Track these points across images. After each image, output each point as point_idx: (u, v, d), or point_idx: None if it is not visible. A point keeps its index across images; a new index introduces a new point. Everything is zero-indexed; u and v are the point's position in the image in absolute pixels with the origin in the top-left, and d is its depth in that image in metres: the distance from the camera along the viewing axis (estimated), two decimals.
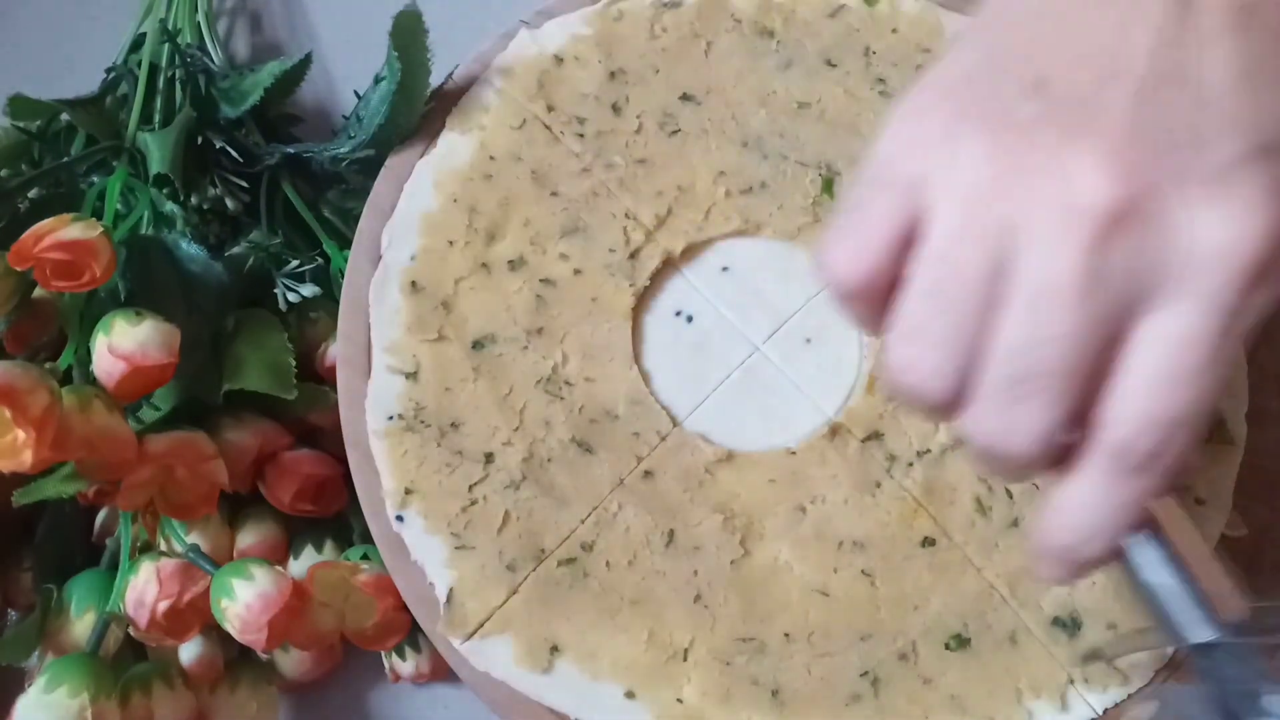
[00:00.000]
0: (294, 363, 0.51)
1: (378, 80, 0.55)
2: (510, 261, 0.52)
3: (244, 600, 0.45)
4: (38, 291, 0.50)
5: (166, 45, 0.58)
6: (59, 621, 0.48)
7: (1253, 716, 0.30)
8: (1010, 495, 0.48)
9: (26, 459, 0.42)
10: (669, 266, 0.53)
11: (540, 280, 0.52)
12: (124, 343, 0.45)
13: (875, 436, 0.50)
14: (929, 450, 0.49)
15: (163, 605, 0.46)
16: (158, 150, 0.53)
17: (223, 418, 0.51)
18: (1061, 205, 0.28)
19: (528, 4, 0.58)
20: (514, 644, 0.46)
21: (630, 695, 0.45)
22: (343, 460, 0.50)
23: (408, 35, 0.52)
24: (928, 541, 0.48)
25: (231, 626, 0.45)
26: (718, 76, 0.56)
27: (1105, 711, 0.45)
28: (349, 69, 0.67)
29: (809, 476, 0.49)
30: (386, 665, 0.53)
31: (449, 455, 0.49)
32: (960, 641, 0.46)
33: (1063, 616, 0.47)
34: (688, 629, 0.46)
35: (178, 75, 0.57)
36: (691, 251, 0.53)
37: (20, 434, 0.42)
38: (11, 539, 0.52)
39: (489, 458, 0.49)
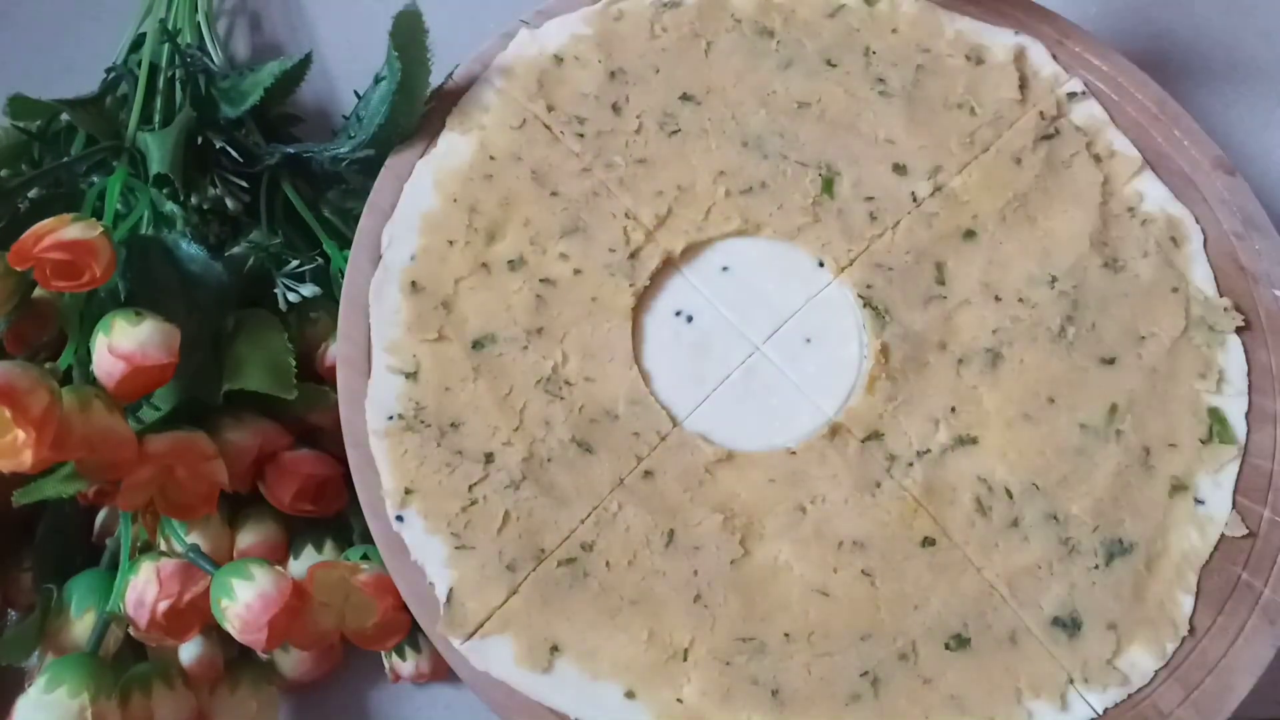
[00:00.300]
0: (294, 363, 0.51)
1: (378, 80, 0.55)
2: (510, 261, 0.52)
3: (244, 600, 0.45)
4: (38, 291, 0.50)
5: (166, 45, 0.58)
6: (59, 621, 0.48)
7: None
8: (1010, 495, 0.48)
9: (26, 459, 0.42)
10: (669, 266, 0.53)
11: (540, 280, 0.52)
12: (124, 343, 0.45)
13: (875, 436, 0.50)
14: (929, 450, 0.49)
15: (163, 605, 0.46)
16: (158, 150, 0.53)
17: (223, 418, 0.51)
18: None
19: (528, 4, 0.58)
20: (514, 644, 0.46)
21: (630, 695, 0.45)
22: (343, 460, 0.50)
23: (408, 35, 0.52)
24: (928, 541, 0.48)
25: (231, 626, 0.45)
26: (718, 76, 0.56)
27: (1105, 711, 0.45)
28: (349, 69, 0.67)
29: (809, 476, 0.49)
30: (386, 665, 0.53)
31: (449, 455, 0.49)
32: (960, 641, 0.46)
33: (1063, 616, 0.47)
34: (688, 629, 0.46)
35: (178, 75, 0.57)
36: (691, 251, 0.53)
37: (20, 434, 0.42)
38: (11, 539, 0.52)
39: (489, 458, 0.49)
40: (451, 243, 0.52)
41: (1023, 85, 0.56)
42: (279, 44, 0.68)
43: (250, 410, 0.51)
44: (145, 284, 0.51)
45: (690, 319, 0.52)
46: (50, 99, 0.56)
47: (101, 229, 0.48)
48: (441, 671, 0.51)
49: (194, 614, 0.47)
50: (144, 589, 0.46)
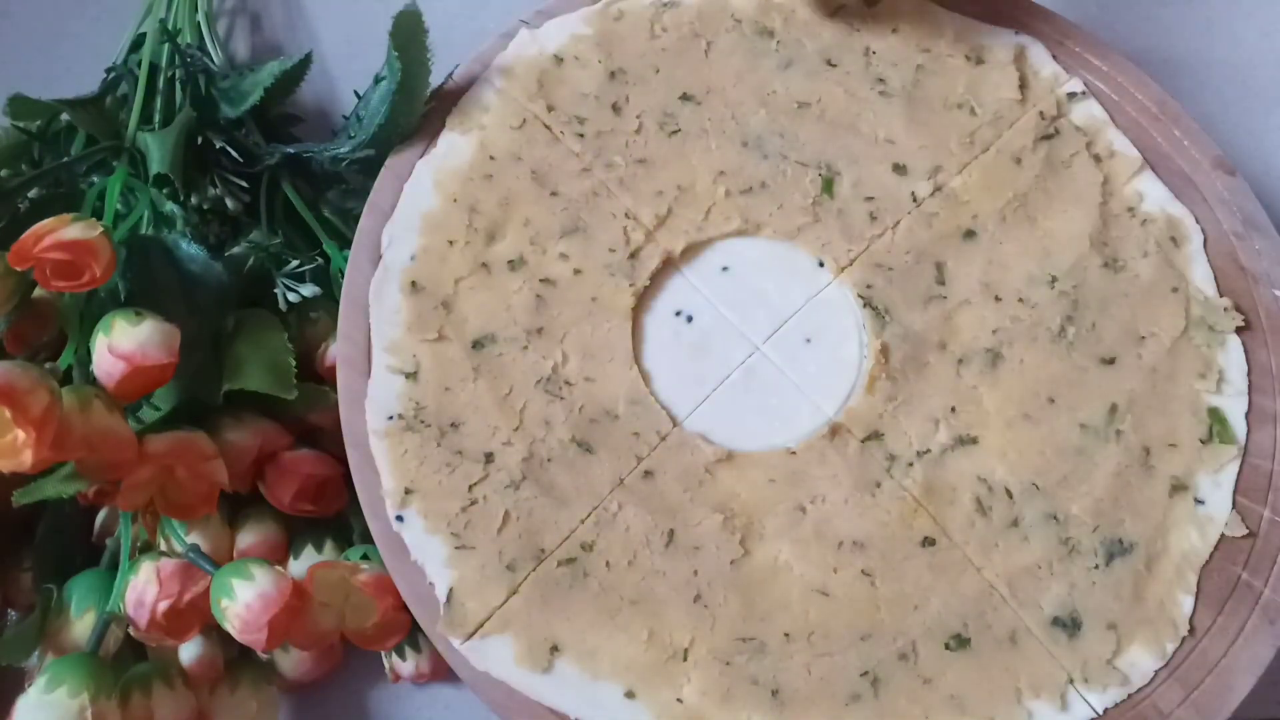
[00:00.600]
0: (294, 363, 0.51)
1: (378, 80, 0.55)
2: (510, 261, 0.52)
3: (244, 600, 0.45)
4: (38, 291, 0.50)
5: (166, 45, 0.58)
6: (59, 621, 0.48)
7: None
8: (1010, 495, 0.49)
9: (26, 459, 0.42)
10: (669, 266, 0.53)
11: (540, 280, 0.52)
12: (124, 343, 0.45)
13: (875, 436, 0.50)
14: (929, 450, 0.49)
15: (163, 605, 0.46)
16: (158, 150, 0.53)
17: (223, 418, 0.51)
18: None
19: (528, 4, 0.58)
20: (514, 644, 0.46)
21: (630, 695, 0.45)
22: (343, 460, 0.50)
23: (408, 35, 0.52)
24: (928, 541, 0.48)
25: (231, 626, 0.45)
26: (718, 76, 0.56)
27: (1105, 711, 0.45)
28: (349, 69, 0.67)
29: (809, 476, 0.49)
30: (386, 665, 0.53)
31: (449, 455, 0.49)
32: (960, 641, 0.46)
33: (1063, 616, 0.47)
34: (688, 629, 0.46)
35: (178, 75, 0.57)
36: (691, 251, 0.53)
37: (20, 434, 0.42)
38: (11, 539, 0.52)
39: (489, 458, 0.49)
40: (451, 243, 0.52)
41: (1023, 85, 0.56)
42: (279, 44, 0.68)
43: (250, 410, 0.51)
44: (145, 284, 0.51)
45: (690, 319, 0.52)
46: (50, 99, 0.56)
47: (101, 229, 0.48)
48: (441, 671, 0.51)
49: (194, 614, 0.47)
50: (144, 589, 0.46)
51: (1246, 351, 0.51)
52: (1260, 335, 0.52)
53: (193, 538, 0.49)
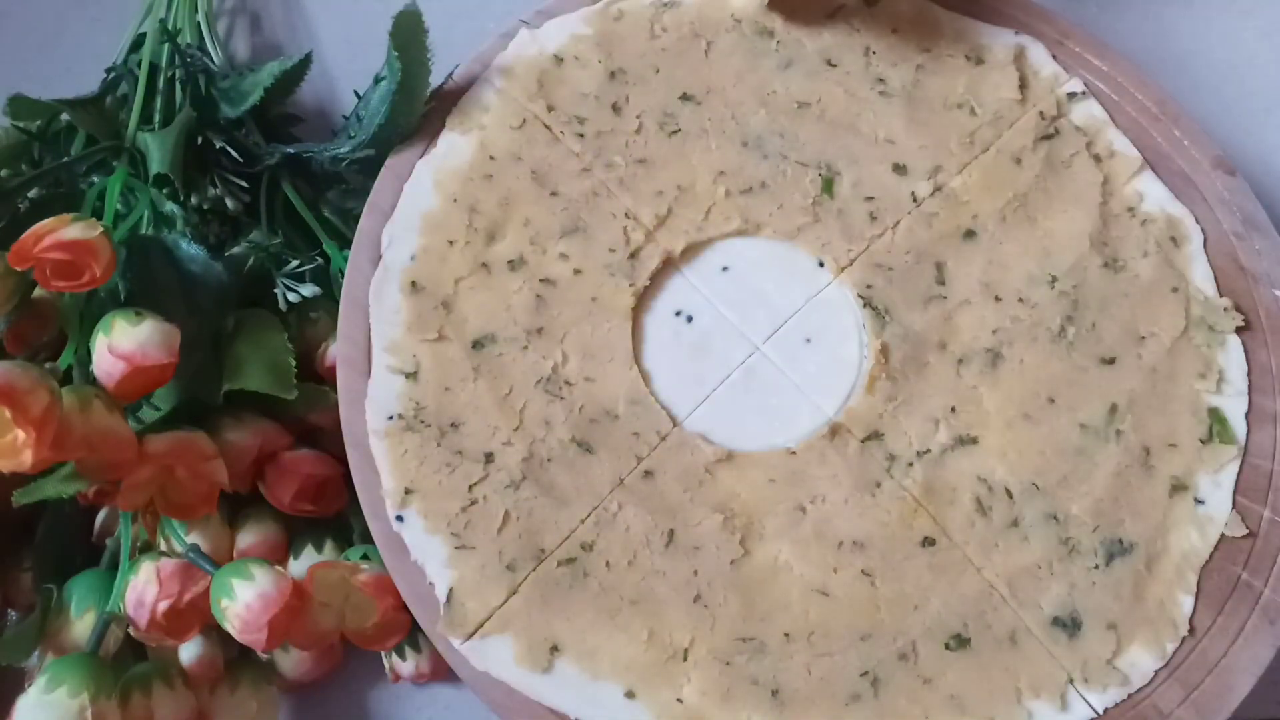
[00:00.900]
0: (294, 363, 0.51)
1: (378, 80, 0.55)
2: (510, 261, 0.52)
3: (244, 600, 0.45)
4: (38, 291, 0.50)
5: (166, 45, 0.58)
6: (59, 621, 0.48)
7: None
8: (1010, 495, 0.49)
9: (26, 459, 0.42)
10: (669, 266, 0.53)
11: (540, 280, 0.52)
12: (124, 343, 0.45)
13: (875, 436, 0.50)
14: (929, 450, 0.49)
15: (163, 605, 0.46)
16: (158, 150, 0.53)
17: (223, 418, 0.50)
18: None
19: (528, 4, 0.58)
20: (514, 644, 0.46)
21: (630, 695, 0.45)
22: (343, 460, 0.50)
23: (408, 35, 0.52)
24: (928, 541, 0.48)
25: (231, 626, 0.45)
26: (718, 76, 0.56)
27: (1105, 711, 0.45)
28: (349, 69, 0.67)
29: (809, 476, 0.49)
30: (386, 665, 0.53)
31: (449, 455, 0.49)
32: (960, 641, 0.46)
33: (1063, 616, 0.47)
34: (688, 629, 0.46)
35: (178, 75, 0.57)
36: (691, 251, 0.53)
37: (20, 434, 0.42)
38: (11, 539, 0.52)
39: (489, 458, 0.49)
40: (451, 243, 0.52)
41: (1023, 85, 0.56)
42: (279, 44, 0.68)
43: (250, 410, 0.51)
44: (145, 284, 0.51)
45: (690, 319, 0.52)
46: (50, 99, 0.56)
47: (101, 229, 0.48)
48: (441, 671, 0.51)
49: (194, 614, 0.47)
50: (144, 589, 0.46)
51: (1246, 351, 0.51)
52: (1260, 335, 0.52)
53: (193, 538, 0.49)
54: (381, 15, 0.52)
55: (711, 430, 0.50)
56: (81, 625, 0.48)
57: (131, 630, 0.47)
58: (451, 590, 0.47)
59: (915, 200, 0.54)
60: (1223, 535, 0.48)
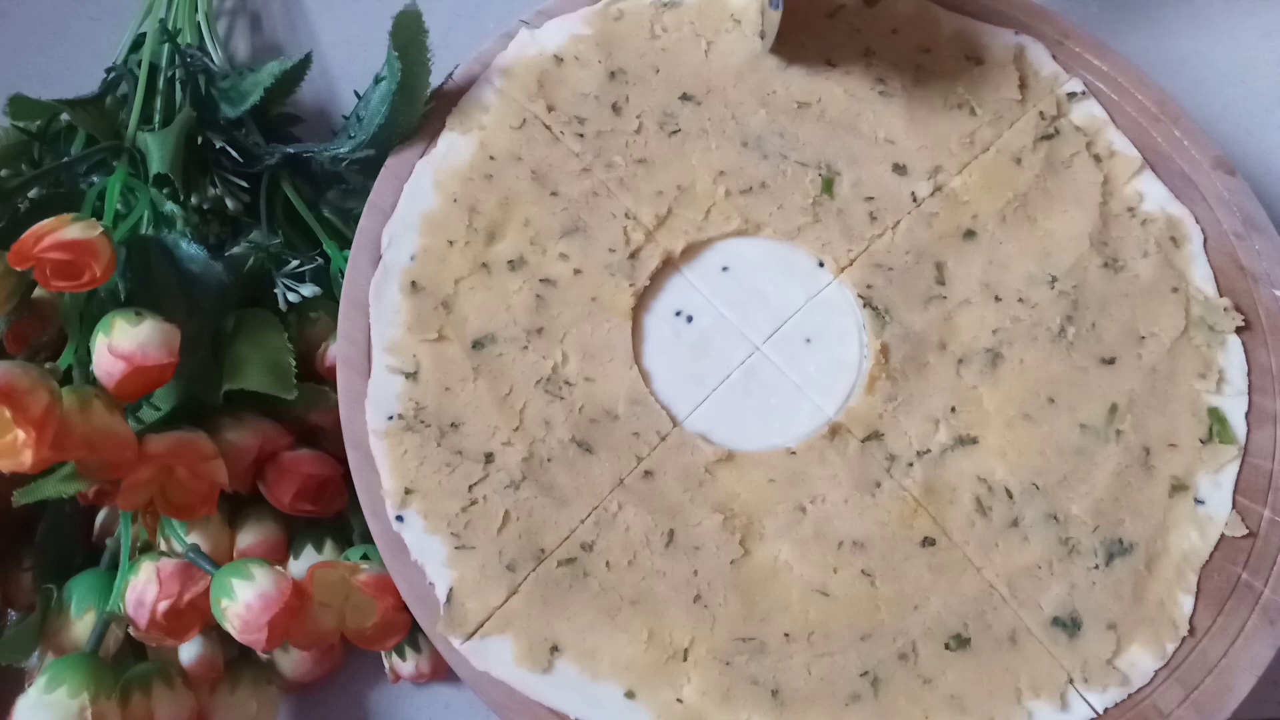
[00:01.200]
0: (294, 363, 0.51)
1: (378, 80, 0.55)
2: (510, 261, 0.52)
3: (244, 600, 0.45)
4: (38, 291, 0.50)
5: (166, 45, 0.58)
6: (59, 621, 0.48)
7: None
8: (1010, 495, 0.49)
9: (26, 459, 0.42)
10: (669, 266, 0.53)
11: (540, 280, 0.52)
12: (124, 343, 0.45)
13: (875, 436, 0.50)
14: (929, 450, 0.49)
15: (163, 605, 0.46)
16: (158, 150, 0.53)
17: (223, 418, 0.51)
18: None
19: (528, 4, 0.58)
20: (514, 644, 0.46)
21: (630, 695, 0.45)
22: (343, 460, 0.50)
23: (408, 35, 0.52)
24: (928, 541, 0.48)
25: (231, 626, 0.45)
26: (718, 76, 0.56)
27: (1105, 711, 0.45)
28: (349, 69, 0.67)
29: (809, 476, 0.49)
30: (386, 665, 0.53)
31: (449, 455, 0.49)
32: (960, 641, 0.46)
33: (1063, 616, 0.47)
34: (688, 629, 0.46)
35: (178, 75, 0.57)
36: (691, 251, 0.53)
37: (20, 434, 0.42)
38: (11, 539, 0.52)
39: (489, 458, 0.49)
40: (451, 243, 0.52)
41: (1023, 85, 0.56)
42: (279, 44, 0.68)
43: (250, 410, 0.51)
44: (145, 284, 0.51)
45: (690, 319, 0.52)
46: (50, 99, 0.56)
47: (101, 229, 0.48)
48: (441, 671, 0.51)
49: (194, 614, 0.47)
50: (144, 589, 0.46)
51: (1246, 351, 0.51)
52: (1260, 335, 0.52)
53: (193, 538, 0.49)
54: (381, 15, 0.52)
55: (711, 430, 0.50)
56: (81, 625, 0.48)
57: (131, 630, 0.47)
58: (451, 590, 0.47)
59: (915, 200, 0.54)
60: (1223, 535, 0.48)
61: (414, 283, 0.51)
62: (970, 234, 0.53)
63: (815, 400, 0.51)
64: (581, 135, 0.54)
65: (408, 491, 0.48)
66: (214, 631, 0.48)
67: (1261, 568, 0.48)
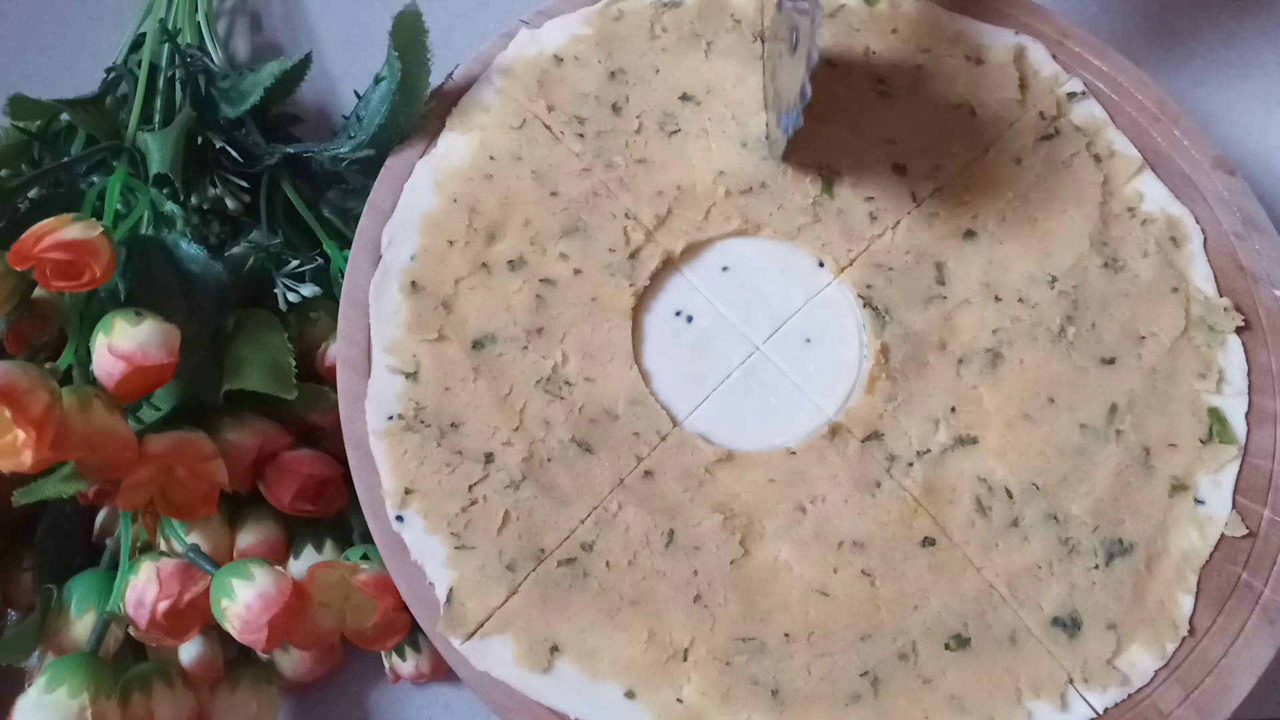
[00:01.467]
0: (294, 363, 0.51)
1: (378, 80, 0.55)
2: (510, 261, 0.52)
3: (244, 600, 0.45)
4: (38, 291, 0.50)
5: (166, 45, 0.58)
6: (59, 621, 0.48)
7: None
8: (1010, 495, 0.48)
9: (26, 459, 0.42)
10: (669, 266, 0.53)
11: (540, 280, 0.52)
12: (124, 343, 0.45)
13: (875, 436, 0.50)
14: (929, 450, 0.49)
15: (163, 605, 0.46)
16: (158, 150, 0.53)
17: (223, 418, 0.51)
18: None
19: (528, 4, 0.58)
20: (514, 644, 0.46)
21: (630, 695, 0.45)
22: (343, 460, 0.50)
23: (408, 35, 0.52)
24: (928, 541, 0.48)
25: (231, 626, 0.45)
26: (718, 76, 0.56)
27: (1105, 711, 0.45)
28: (349, 69, 0.67)
29: (809, 476, 0.49)
30: (386, 665, 0.53)
31: (449, 455, 0.49)
32: (960, 641, 0.46)
33: (1063, 616, 0.47)
34: (688, 629, 0.46)
35: (178, 75, 0.57)
36: (691, 251, 0.53)
37: (20, 434, 0.42)
38: (11, 539, 0.52)
39: (489, 458, 0.49)
40: (451, 243, 0.52)
41: (1023, 85, 0.56)
42: (279, 44, 0.68)
43: (250, 410, 0.51)
44: (145, 284, 0.51)
45: (690, 319, 0.52)
46: (50, 99, 0.56)
47: (101, 229, 0.48)
48: (441, 671, 0.51)
49: (194, 614, 0.47)
50: (144, 589, 0.46)
51: (1246, 351, 0.51)
52: (1260, 335, 0.52)
53: (193, 538, 0.49)
54: (381, 15, 0.52)
55: (711, 430, 0.50)
56: (81, 625, 0.48)
57: (131, 630, 0.47)
58: (451, 590, 0.47)
59: (915, 200, 0.54)
60: (1223, 535, 0.48)
61: (414, 283, 0.51)
62: (970, 234, 0.53)
63: (815, 400, 0.51)
64: (581, 135, 0.54)
65: (408, 491, 0.48)
66: (214, 631, 0.48)
67: (1261, 568, 0.48)
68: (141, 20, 0.62)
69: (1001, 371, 0.51)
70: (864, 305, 0.52)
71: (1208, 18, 0.68)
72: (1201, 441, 0.50)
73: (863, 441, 0.49)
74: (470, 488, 0.48)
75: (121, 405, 0.46)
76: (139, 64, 0.57)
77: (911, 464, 0.49)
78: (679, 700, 0.45)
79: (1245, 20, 0.68)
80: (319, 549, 0.52)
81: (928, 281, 0.52)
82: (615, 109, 0.55)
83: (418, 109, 0.54)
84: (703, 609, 0.46)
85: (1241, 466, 0.49)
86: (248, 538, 0.51)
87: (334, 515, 0.53)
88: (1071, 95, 0.56)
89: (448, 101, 0.55)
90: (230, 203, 0.55)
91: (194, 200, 0.55)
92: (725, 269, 0.53)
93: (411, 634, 0.51)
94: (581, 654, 0.46)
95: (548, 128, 0.55)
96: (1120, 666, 0.46)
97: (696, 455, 0.49)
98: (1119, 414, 0.50)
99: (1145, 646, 0.46)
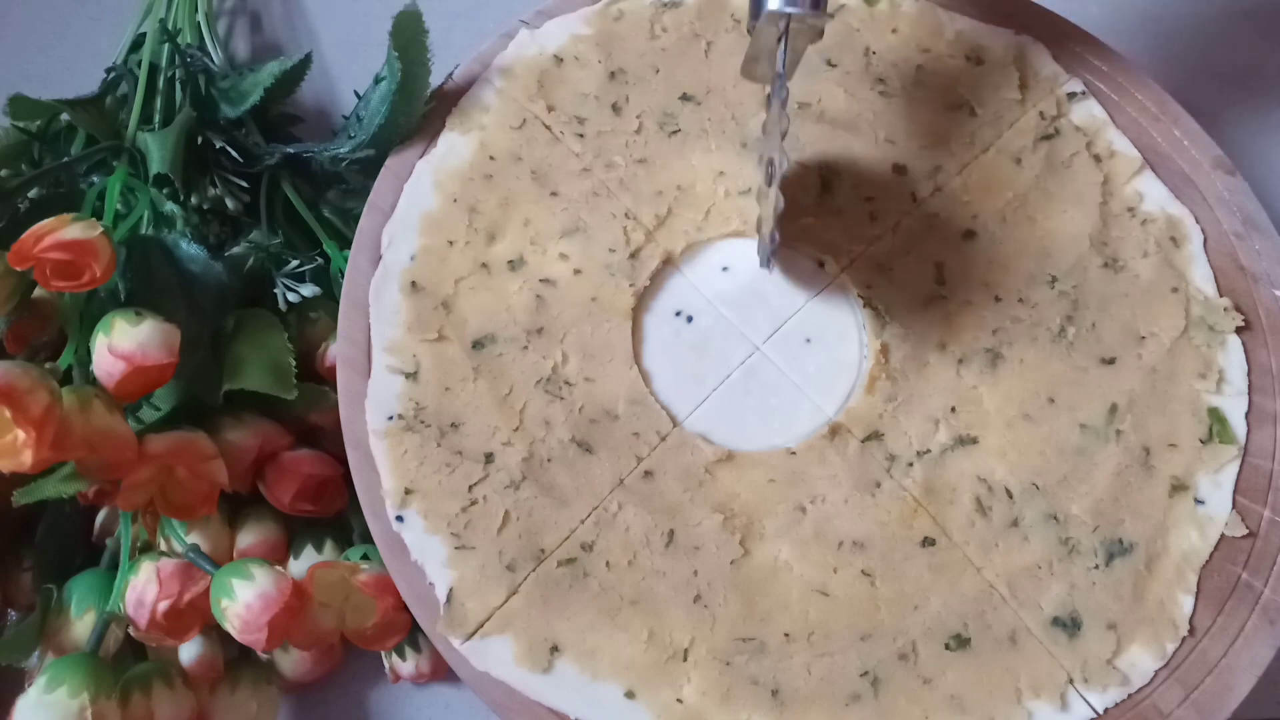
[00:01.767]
0: (294, 363, 0.51)
1: (378, 80, 0.55)
2: (510, 261, 0.52)
3: (244, 600, 0.45)
4: (38, 291, 0.50)
5: (166, 45, 0.58)
6: (59, 621, 0.48)
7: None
8: (1010, 495, 0.48)
9: (26, 459, 0.42)
10: (669, 266, 0.53)
11: (540, 280, 0.52)
12: (124, 343, 0.45)
13: (875, 436, 0.50)
14: (929, 450, 0.49)
15: (163, 605, 0.46)
16: (158, 150, 0.53)
17: (223, 418, 0.50)
18: None
19: (528, 4, 0.58)
20: (514, 644, 0.46)
21: (630, 695, 0.45)
22: (343, 460, 0.50)
23: (408, 35, 0.52)
24: (928, 541, 0.48)
25: (231, 626, 0.45)
26: (718, 76, 0.56)
27: (1105, 711, 0.45)
28: (349, 69, 0.67)
29: (809, 476, 0.49)
30: (386, 665, 0.53)
31: (449, 455, 0.49)
32: (960, 641, 0.46)
33: (1063, 616, 0.47)
34: (688, 629, 0.46)
35: (178, 75, 0.57)
36: (691, 251, 0.53)
37: (20, 434, 0.42)
38: (11, 539, 0.52)
39: (489, 458, 0.49)
40: (451, 243, 0.52)
41: (1023, 85, 0.56)
42: (279, 44, 0.68)
43: (250, 410, 0.51)
44: (145, 284, 0.51)
45: (690, 319, 0.52)
46: (50, 99, 0.56)
47: (101, 229, 0.48)
48: (441, 671, 0.51)
49: (194, 614, 0.47)
50: (144, 589, 0.46)
51: (1246, 351, 0.51)
52: (1260, 335, 0.52)
53: (193, 538, 0.49)
54: (381, 15, 0.52)
55: (711, 430, 0.50)
56: (81, 625, 0.48)
57: (131, 630, 0.47)
58: (451, 590, 0.47)
59: (915, 200, 0.54)
60: (1223, 535, 0.48)
61: (414, 283, 0.51)
62: (970, 234, 0.53)
63: (815, 400, 0.51)
64: (581, 135, 0.54)
65: (408, 491, 0.48)
66: (214, 631, 0.48)
67: (1261, 568, 0.48)
68: (141, 20, 0.62)
69: (1001, 371, 0.51)
70: (864, 305, 0.52)
71: (1208, 18, 0.68)
72: (1201, 441, 0.50)
73: (863, 441, 0.49)
74: (470, 488, 0.48)
75: (121, 405, 0.46)
76: (139, 64, 0.57)
77: (911, 464, 0.49)
78: (679, 700, 0.45)
79: (1246, 20, 0.68)
80: (319, 549, 0.52)
81: (928, 281, 0.52)
82: (615, 109, 0.55)
83: (418, 109, 0.54)
84: (703, 609, 0.46)
85: (1241, 466, 0.49)
86: (248, 538, 0.51)
87: (334, 515, 0.53)
88: (1071, 95, 0.56)
89: (448, 101, 0.55)
90: (230, 203, 0.55)
91: (194, 200, 0.55)
92: (725, 269, 0.53)
93: (411, 634, 0.51)
94: (581, 654, 0.46)
95: (548, 128, 0.55)
96: (1120, 666, 0.46)
97: (696, 455, 0.49)
98: (1119, 414, 0.50)
99: (1145, 646, 0.46)
